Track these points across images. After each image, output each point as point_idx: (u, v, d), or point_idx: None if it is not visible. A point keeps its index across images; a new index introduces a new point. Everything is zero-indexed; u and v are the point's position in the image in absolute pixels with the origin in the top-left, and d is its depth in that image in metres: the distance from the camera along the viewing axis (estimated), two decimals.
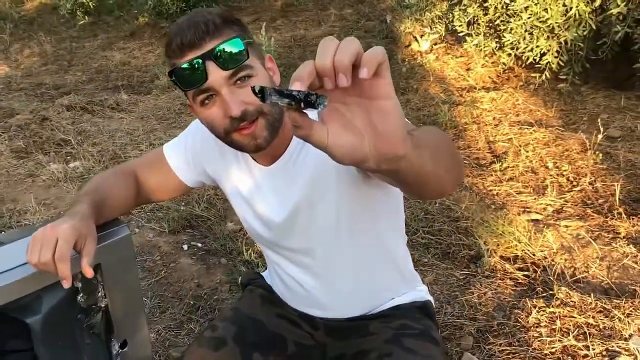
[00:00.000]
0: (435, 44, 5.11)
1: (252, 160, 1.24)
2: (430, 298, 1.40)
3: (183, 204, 2.97)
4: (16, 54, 6.82)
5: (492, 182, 2.94)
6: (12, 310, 1.14)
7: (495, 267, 2.31)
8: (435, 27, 4.81)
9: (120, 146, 3.87)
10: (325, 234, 1.22)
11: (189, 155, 1.33)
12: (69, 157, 3.75)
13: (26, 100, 5.03)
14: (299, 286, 1.33)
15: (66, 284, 1.02)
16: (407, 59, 4.96)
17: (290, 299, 1.39)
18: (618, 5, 3.25)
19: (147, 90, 5.13)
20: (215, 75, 1.04)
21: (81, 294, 1.20)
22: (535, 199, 2.74)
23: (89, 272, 1.04)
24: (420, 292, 1.39)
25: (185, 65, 1.04)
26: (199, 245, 2.67)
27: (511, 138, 3.35)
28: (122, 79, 5.56)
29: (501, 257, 2.36)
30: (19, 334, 1.21)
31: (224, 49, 1.03)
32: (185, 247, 2.66)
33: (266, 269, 1.51)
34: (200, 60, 1.03)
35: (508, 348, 1.89)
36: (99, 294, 1.22)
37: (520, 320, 2.01)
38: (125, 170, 1.34)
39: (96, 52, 6.65)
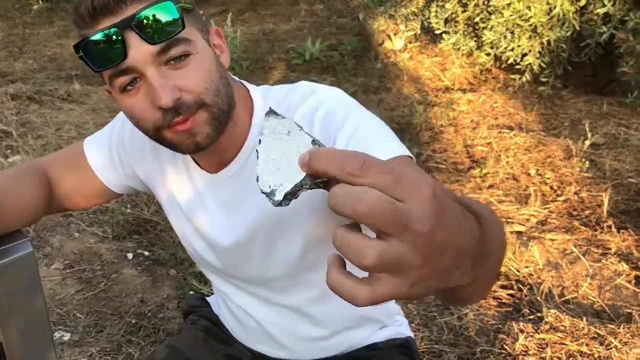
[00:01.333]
0: (410, 43, 4.90)
1: (194, 163, 0.96)
2: (411, 334, 1.15)
3: (130, 206, 2.66)
4: None
5: (471, 188, 2.73)
6: None
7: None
8: (411, 25, 4.60)
9: (67, 140, 3.54)
10: (287, 264, 0.95)
11: (114, 153, 1.03)
12: (8, 151, 3.41)
13: None
14: (253, 320, 1.06)
15: None
16: (380, 57, 4.74)
17: (241, 335, 1.12)
18: (604, 5, 3.08)
19: (102, 81, 4.79)
20: (139, 50, 0.76)
21: None
22: (517, 208, 2.53)
23: None
24: (399, 327, 1.14)
25: (96, 37, 0.76)
26: (146, 253, 2.38)
27: (490, 142, 3.15)
28: (77, 69, 5.20)
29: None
30: None
31: (150, 15, 0.75)
32: (130, 255, 2.36)
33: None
34: (116, 30, 0.75)
35: None
36: None
37: (505, 347, 1.78)
38: (34, 168, 1.01)
39: (51, 40, 6.27)
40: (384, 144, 0.80)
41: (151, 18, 0.76)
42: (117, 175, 1.04)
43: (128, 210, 2.61)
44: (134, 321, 1.98)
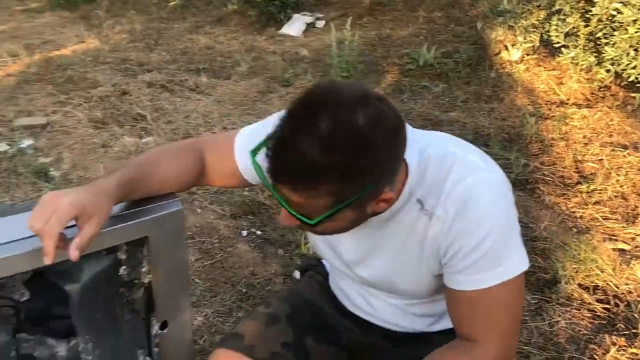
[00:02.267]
0: (527, 55, 4.84)
1: None
2: None
3: (247, 190, 2.91)
4: (107, 29, 7.02)
5: (576, 203, 2.71)
6: (52, 275, 1.08)
7: (572, 295, 2.10)
8: (529, 37, 4.55)
9: (194, 126, 3.87)
10: (409, 290, 1.16)
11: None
12: (143, 132, 3.79)
13: (110, 74, 5.13)
14: (361, 298, 1.24)
15: (47, 260, 0.91)
16: (495, 67, 4.73)
17: (349, 304, 1.29)
18: None
19: (227, 76, 5.14)
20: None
21: (124, 267, 1.13)
22: (623, 227, 2.50)
23: (72, 255, 0.93)
24: None
25: (266, 181, 0.94)
26: (258, 233, 2.60)
27: (602, 159, 3.10)
28: (204, 62, 5.60)
29: (579, 285, 2.15)
30: (55, 304, 1.16)
31: (296, 208, 0.92)
32: (244, 233, 2.60)
33: None
34: (276, 193, 0.93)
35: None
36: (143, 269, 1.15)
37: (595, 357, 1.81)
38: (193, 148, 1.21)
39: (183, 35, 6.76)
40: (499, 266, 0.98)
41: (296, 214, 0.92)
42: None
43: (245, 193, 2.86)
44: (244, 290, 2.19)
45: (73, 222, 0.96)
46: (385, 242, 1.10)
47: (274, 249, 2.49)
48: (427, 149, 1.02)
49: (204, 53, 5.96)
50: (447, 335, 1.15)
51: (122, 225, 1.08)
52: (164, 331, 1.21)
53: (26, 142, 3.48)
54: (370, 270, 1.17)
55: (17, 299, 1.03)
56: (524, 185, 2.92)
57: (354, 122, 0.83)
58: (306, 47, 5.77)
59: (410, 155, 0.99)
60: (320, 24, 6.45)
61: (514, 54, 4.90)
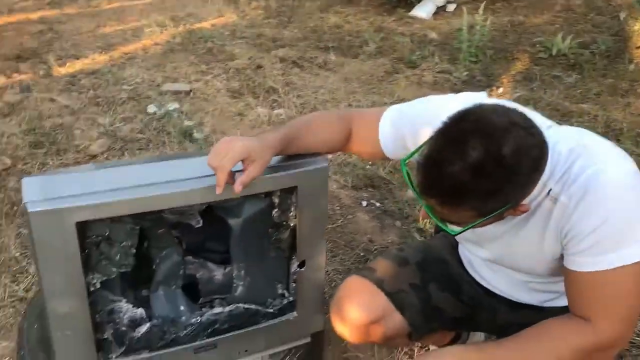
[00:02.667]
0: None
1: None
2: None
3: (370, 163, 3.05)
4: (244, 5, 7.39)
5: None
6: (220, 210, 1.29)
7: None
8: None
9: (321, 102, 4.07)
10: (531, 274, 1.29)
11: (405, 132, 1.28)
12: (274, 104, 4.04)
13: (246, 48, 5.44)
14: (486, 269, 1.36)
15: (218, 190, 1.12)
16: (635, 60, 4.51)
17: (472, 271, 1.42)
18: None
19: (355, 54, 5.29)
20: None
21: (276, 210, 1.32)
22: None
23: (236, 189, 1.13)
24: None
25: (413, 188, 1.08)
26: (377, 204, 2.75)
27: None
28: (333, 41, 5.78)
29: None
30: (218, 235, 1.37)
31: (439, 215, 1.06)
32: (364, 203, 2.75)
33: None
34: (428, 207, 1.06)
35: None
36: (291, 213, 1.34)
37: None
38: (344, 118, 1.39)
39: (314, 13, 6.98)
40: (616, 251, 1.04)
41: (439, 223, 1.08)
42: (396, 149, 1.32)
43: (367, 167, 3.01)
44: (362, 254, 2.36)
45: (240, 167, 1.16)
46: (509, 228, 1.20)
47: (391, 220, 2.62)
48: (556, 145, 1.10)
49: (333, 32, 6.14)
50: (564, 311, 1.23)
51: (279, 174, 1.27)
52: (302, 269, 1.39)
53: (172, 106, 3.84)
54: (490, 252, 1.28)
55: (193, 225, 1.25)
56: None
57: (501, 152, 0.95)
58: (435, 29, 5.77)
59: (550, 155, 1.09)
60: (451, 7, 6.40)
61: None
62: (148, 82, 4.21)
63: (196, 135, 3.37)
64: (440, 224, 1.07)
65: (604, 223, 1.04)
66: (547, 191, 1.10)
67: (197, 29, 5.82)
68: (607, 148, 1.13)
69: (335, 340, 1.87)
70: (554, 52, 4.69)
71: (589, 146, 1.12)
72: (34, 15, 6.05)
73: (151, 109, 3.75)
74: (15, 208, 2.49)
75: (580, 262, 1.09)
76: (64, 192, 1.12)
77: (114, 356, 1.28)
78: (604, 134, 3.45)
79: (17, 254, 2.16)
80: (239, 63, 4.88)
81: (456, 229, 1.09)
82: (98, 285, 1.21)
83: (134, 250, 1.23)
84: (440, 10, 6.35)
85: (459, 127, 1.00)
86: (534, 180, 1.03)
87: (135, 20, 6.12)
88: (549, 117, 3.13)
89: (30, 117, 3.39)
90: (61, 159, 2.94)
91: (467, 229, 1.06)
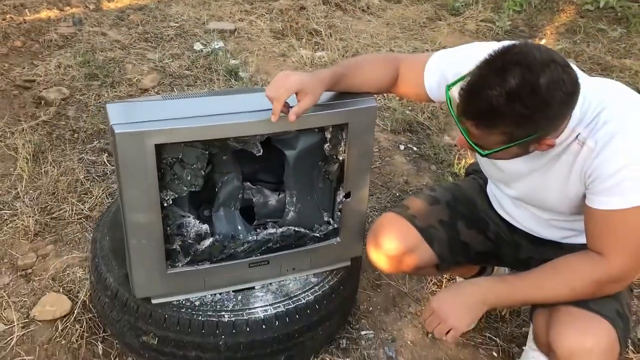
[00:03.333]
0: None
1: None
2: None
3: (409, 108, 3.15)
4: None
5: None
6: (277, 142, 1.43)
7: None
8: None
9: (363, 46, 4.12)
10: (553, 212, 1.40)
11: (448, 77, 1.37)
12: (317, 46, 4.11)
13: None
14: (512, 206, 1.48)
15: (273, 118, 1.26)
16: None
17: (500, 209, 1.54)
18: None
19: (398, 0, 5.28)
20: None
21: (328, 144, 1.45)
22: None
23: (290, 118, 1.26)
24: None
25: (453, 112, 1.20)
26: (414, 149, 2.86)
27: None
28: None
29: None
30: (272, 166, 1.52)
31: (473, 139, 1.18)
32: (401, 147, 2.87)
33: None
34: (459, 124, 1.18)
35: None
36: (341, 148, 1.47)
37: None
38: (392, 60, 1.49)
39: None
40: (634, 193, 1.15)
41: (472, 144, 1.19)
42: (440, 92, 1.42)
43: (407, 112, 3.11)
44: (397, 194, 2.49)
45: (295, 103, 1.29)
46: (537, 167, 1.32)
47: (427, 164, 2.74)
48: (588, 94, 1.21)
49: None
50: (582, 248, 1.35)
51: (331, 111, 1.39)
52: (347, 200, 1.53)
53: (218, 44, 3.94)
54: (517, 190, 1.40)
55: (254, 153, 1.39)
56: None
57: (537, 83, 1.06)
58: None
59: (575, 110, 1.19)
60: None
61: None
62: (194, 20, 4.31)
63: (241, 74, 3.49)
64: (473, 146, 1.19)
65: (624, 167, 1.15)
66: (575, 135, 1.21)
67: None
68: (636, 101, 1.22)
69: (370, 267, 2.04)
70: (602, 4, 4.62)
71: (618, 98, 1.22)
72: None
73: (197, 46, 3.87)
74: (76, 135, 2.67)
75: (600, 201, 1.20)
76: (143, 117, 1.27)
77: (180, 264, 1.45)
78: None
79: (82, 177, 2.35)
80: (282, 4, 4.91)
81: (485, 151, 1.20)
82: (170, 202, 1.37)
83: (203, 173, 1.38)
84: None
85: (502, 59, 1.11)
86: (563, 114, 1.13)
87: None
88: (590, 70, 3.23)
89: (84, 49, 3.54)
90: (115, 92, 3.10)
91: (496, 152, 1.17)
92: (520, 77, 1.06)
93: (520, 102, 1.07)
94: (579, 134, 1.21)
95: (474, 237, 1.56)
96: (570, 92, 1.10)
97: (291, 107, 1.29)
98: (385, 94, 3.33)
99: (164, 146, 1.29)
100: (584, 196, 1.26)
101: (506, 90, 1.07)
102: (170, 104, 1.41)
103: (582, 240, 1.35)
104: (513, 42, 1.15)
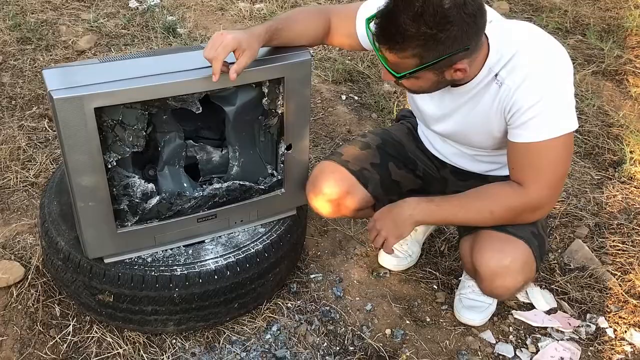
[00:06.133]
0: None
1: None
2: None
3: (349, 58, 3.20)
4: None
5: None
6: (216, 98, 1.47)
7: (634, 175, 2.33)
8: None
9: None
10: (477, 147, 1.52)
11: None
12: None
13: None
14: (441, 143, 1.58)
15: (214, 78, 1.30)
16: None
17: (430, 147, 1.64)
18: None
19: None
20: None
21: (265, 99, 1.50)
22: None
23: (231, 76, 1.31)
24: None
25: (373, 45, 1.29)
26: (355, 98, 2.93)
27: None
28: None
29: None
30: (213, 124, 1.56)
31: (391, 66, 1.28)
32: (343, 97, 2.93)
33: None
34: (378, 52, 1.28)
35: (620, 245, 2.00)
36: (279, 102, 1.52)
37: None
38: (324, 13, 1.54)
39: None
40: (548, 126, 1.27)
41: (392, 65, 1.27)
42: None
43: (347, 61, 3.16)
44: (340, 143, 2.56)
45: (233, 60, 1.33)
46: (460, 105, 1.41)
47: (368, 112, 2.82)
48: (507, 35, 1.31)
49: None
50: (504, 179, 1.47)
51: (267, 66, 1.44)
52: (289, 152, 1.59)
53: (154, 1, 3.86)
54: (443, 129, 1.51)
55: (193, 111, 1.43)
56: (612, 76, 3.04)
57: (440, 3, 1.16)
58: None
59: (492, 39, 1.30)
60: None
61: None
62: None
63: (179, 30, 3.45)
64: (390, 71, 1.28)
65: (539, 101, 1.26)
66: (493, 74, 1.31)
67: None
68: (550, 44, 1.32)
69: (315, 215, 2.13)
70: None
71: (534, 40, 1.32)
72: None
73: (132, 3, 3.77)
74: (13, 102, 2.62)
75: (519, 135, 1.32)
76: (81, 81, 1.28)
77: (129, 224, 1.49)
78: (572, 29, 3.60)
79: (24, 144, 2.33)
80: None
81: (400, 74, 1.29)
82: (114, 163, 1.40)
83: (144, 133, 1.41)
84: None
85: None
86: (468, 36, 1.21)
87: None
88: (522, 11, 3.35)
89: (13, 12, 3.41)
90: (51, 55, 3.02)
91: (412, 73, 1.26)
92: (424, 0, 1.16)
93: (424, 22, 1.16)
94: (497, 73, 1.31)
95: (404, 176, 1.67)
96: (472, 14, 1.18)
97: (231, 64, 1.32)
98: (325, 45, 3.36)
99: (104, 109, 1.31)
100: (506, 133, 1.36)
101: (412, 12, 1.17)
102: (108, 67, 1.42)
103: (505, 172, 1.47)
104: None
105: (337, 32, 1.55)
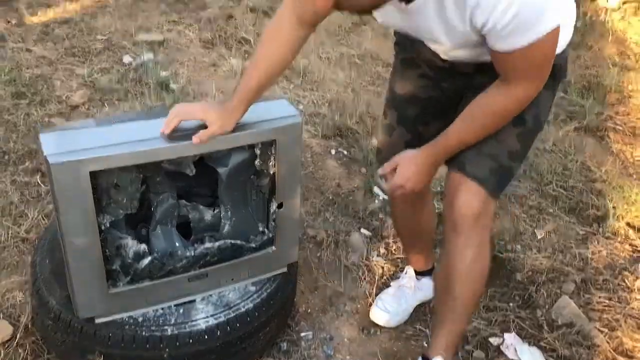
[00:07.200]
0: (625, 3, 4.82)
1: None
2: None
3: (338, 114, 3.27)
4: None
5: None
6: (209, 160, 1.51)
7: (618, 231, 2.38)
8: None
9: None
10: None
11: None
12: (247, 55, 4.17)
13: None
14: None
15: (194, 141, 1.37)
16: (589, 14, 4.75)
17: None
18: None
19: None
20: None
21: (258, 160, 1.54)
22: None
23: (193, 139, 1.37)
24: None
25: None
26: (345, 152, 2.98)
27: None
28: None
29: (627, 223, 2.42)
30: (205, 183, 1.59)
31: None
32: (333, 151, 2.98)
33: None
34: None
35: (606, 301, 2.03)
36: (271, 162, 1.56)
37: (626, 281, 2.12)
38: (280, 21, 1.47)
39: None
40: (529, 31, 1.23)
41: None
42: None
43: (336, 117, 3.23)
44: (331, 197, 2.61)
45: None
46: (434, 21, 1.35)
47: (357, 167, 2.87)
48: None
49: None
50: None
51: (259, 130, 1.49)
52: (280, 210, 1.62)
53: (147, 56, 3.94)
54: (416, 34, 1.47)
55: (187, 173, 1.46)
56: (594, 132, 3.13)
57: None
58: None
59: None
60: None
61: (612, 1, 4.88)
62: (121, 32, 4.28)
63: (172, 86, 3.52)
64: None
65: (507, 10, 1.20)
66: None
67: None
68: None
69: (307, 271, 2.14)
70: None
71: None
72: None
73: (126, 59, 3.86)
74: (6, 157, 2.65)
75: (499, 45, 1.28)
76: (77, 146, 1.32)
77: (121, 284, 1.50)
78: None
79: (16, 199, 2.34)
80: (210, 12, 4.94)
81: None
82: (108, 225, 1.42)
83: (138, 195, 1.44)
84: None
85: None
86: None
87: None
88: None
89: (9, 67, 3.48)
90: (45, 110, 3.07)
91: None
92: None
93: None
94: None
95: (434, 121, 1.65)
96: None
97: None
98: (315, 101, 3.45)
99: (99, 172, 1.35)
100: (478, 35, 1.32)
101: None
102: (103, 131, 1.46)
103: None
104: None
105: (308, 18, 1.47)
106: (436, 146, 1.52)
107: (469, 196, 1.47)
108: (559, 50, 1.39)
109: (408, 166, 1.55)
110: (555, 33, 1.28)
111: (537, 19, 1.24)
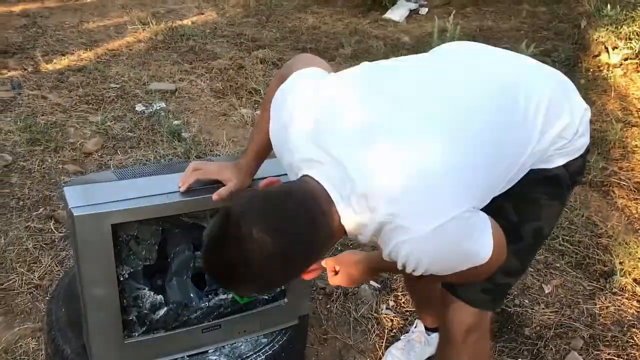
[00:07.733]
0: (627, 59, 4.93)
1: None
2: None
3: None
4: (224, 3, 7.57)
5: None
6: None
7: (625, 287, 2.39)
8: (630, 43, 4.65)
9: None
10: None
11: None
12: (257, 105, 4.27)
13: (227, 48, 5.65)
14: None
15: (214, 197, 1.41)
16: (591, 69, 4.86)
17: None
18: None
19: (331, 57, 5.54)
20: None
21: None
22: None
23: (213, 197, 1.41)
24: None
25: None
26: None
27: None
28: (311, 42, 6.02)
29: (634, 280, 2.43)
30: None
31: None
32: None
33: None
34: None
35: (615, 358, 2.02)
36: None
37: (635, 338, 2.12)
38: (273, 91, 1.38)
39: (291, 13, 7.19)
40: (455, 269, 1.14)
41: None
42: None
43: None
44: (339, 247, 2.63)
45: None
46: None
47: None
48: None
49: (310, 33, 6.38)
50: None
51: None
52: None
53: (159, 105, 4.04)
54: None
55: (204, 225, 1.50)
56: (599, 187, 3.17)
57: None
58: (407, 33, 6.07)
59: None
60: (424, 11, 6.70)
61: (613, 58, 5.00)
62: (134, 81, 4.40)
63: (184, 134, 3.60)
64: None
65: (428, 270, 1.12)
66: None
67: (178, 26, 5.97)
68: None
69: (317, 323, 2.15)
70: None
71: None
72: (16, 8, 6.15)
73: (139, 107, 3.95)
74: (21, 203, 2.70)
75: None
76: (100, 199, 1.37)
77: (136, 334, 1.52)
78: None
79: (30, 245, 2.38)
80: (221, 63, 5.08)
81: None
82: (126, 276, 1.46)
83: (156, 247, 1.48)
84: (412, 14, 6.66)
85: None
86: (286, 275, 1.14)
87: (118, 17, 6.26)
88: None
89: (24, 114, 3.57)
90: (59, 156, 3.14)
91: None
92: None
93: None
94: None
95: None
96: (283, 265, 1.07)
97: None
98: None
99: (120, 225, 1.38)
100: None
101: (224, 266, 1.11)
102: (126, 184, 1.51)
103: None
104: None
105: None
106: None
107: (460, 313, 1.42)
108: (570, 157, 1.33)
109: (348, 268, 1.50)
110: (492, 260, 1.13)
111: (462, 262, 1.14)
